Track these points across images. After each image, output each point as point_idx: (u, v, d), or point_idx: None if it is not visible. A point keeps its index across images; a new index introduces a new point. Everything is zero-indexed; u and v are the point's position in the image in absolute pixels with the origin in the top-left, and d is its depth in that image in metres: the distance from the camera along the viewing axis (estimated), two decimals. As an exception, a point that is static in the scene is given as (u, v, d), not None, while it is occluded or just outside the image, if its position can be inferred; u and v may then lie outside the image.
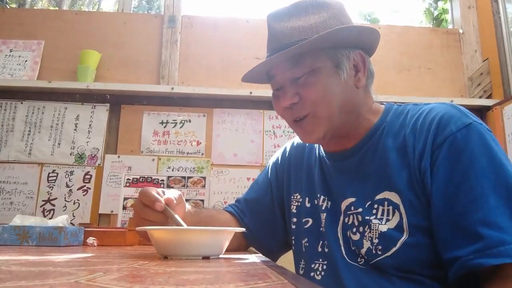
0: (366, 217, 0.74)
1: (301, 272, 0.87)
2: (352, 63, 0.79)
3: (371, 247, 0.72)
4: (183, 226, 0.69)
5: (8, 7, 3.38)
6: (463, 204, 0.64)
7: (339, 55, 0.78)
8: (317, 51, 0.76)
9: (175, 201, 0.74)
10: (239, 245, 0.95)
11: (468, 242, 0.62)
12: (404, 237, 0.69)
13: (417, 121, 0.74)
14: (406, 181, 0.71)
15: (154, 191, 0.73)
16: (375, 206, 0.74)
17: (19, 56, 2.36)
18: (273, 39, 0.79)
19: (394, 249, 0.70)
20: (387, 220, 0.72)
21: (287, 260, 0.97)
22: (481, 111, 2.38)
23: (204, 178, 2.22)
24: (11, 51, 2.38)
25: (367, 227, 0.74)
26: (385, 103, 0.85)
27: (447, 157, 0.68)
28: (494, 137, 0.70)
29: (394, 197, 0.72)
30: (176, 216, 0.70)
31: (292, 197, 0.93)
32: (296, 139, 1.01)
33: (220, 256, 0.64)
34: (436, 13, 3.18)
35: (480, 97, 2.41)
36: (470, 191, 0.64)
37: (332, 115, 0.77)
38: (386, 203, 0.73)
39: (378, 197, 0.74)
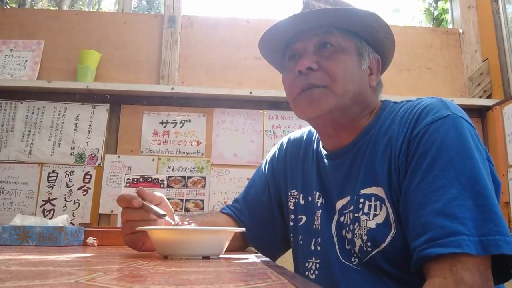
0: (356, 214, 0.74)
1: (299, 271, 0.87)
2: (369, 61, 0.82)
3: (362, 244, 0.72)
4: (161, 213, 0.69)
5: (8, 7, 3.38)
6: (425, 194, 0.64)
7: (363, 48, 0.81)
8: (347, 33, 0.79)
9: (147, 190, 0.73)
10: (239, 245, 0.95)
11: (423, 232, 0.61)
12: (392, 232, 0.69)
13: (404, 115, 0.74)
14: (388, 175, 0.71)
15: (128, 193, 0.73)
16: (361, 200, 0.74)
17: (19, 56, 2.36)
18: (307, 7, 0.80)
19: (383, 245, 0.70)
20: (375, 215, 0.72)
21: (287, 260, 0.97)
22: (481, 111, 2.38)
23: (204, 178, 2.22)
24: (11, 51, 2.38)
25: (356, 224, 0.74)
26: (382, 100, 0.86)
27: (419, 148, 0.67)
28: (475, 131, 0.69)
29: (380, 192, 0.72)
30: (153, 206, 0.70)
31: (289, 193, 0.93)
32: (293, 135, 1.01)
33: (220, 256, 0.64)
34: (436, 13, 3.18)
35: (480, 97, 2.41)
36: (434, 181, 0.63)
37: (344, 97, 0.76)
38: (373, 198, 0.73)
39: (364, 191, 0.74)
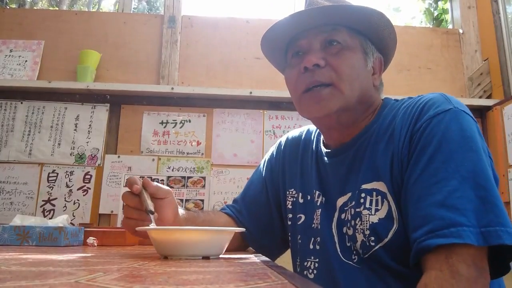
0: (357, 209, 0.74)
1: (298, 270, 0.87)
2: (373, 61, 0.82)
3: (364, 239, 0.72)
4: (149, 209, 0.71)
5: (8, 7, 3.38)
6: (425, 187, 0.64)
7: (368, 47, 0.81)
8: (353, 31, 0.79)
9: (154, 183, 0.76)
10: (238, 245, 0.95)
11: (423, 224, 0.61)
12: (395, 226, 0.69)
13: (406, 110, 0.74)
14: (390, 169, 0.71)
15: (139, 178, 0.77)
16: (362, 195, 0.74)
17: (19, 56, 2.36)
18: (312, 3, 0.79)
19: (386, 239, 0.69)
20: (377, 210, 0.71)
21: (286, 260, 0.97)
22: (481, 111, 2.38)
23: (204, 178, 2.22)
24: (11, 51, 2.38)
25: (358, 219, 0.73)
26: (383, 98, 0.86)
27: (420, 141, 0.67)
28: (476, 125, 0.69)
29: (382, 186, 0.72)
30: (149, 201, 0.72)
31: (288, 192, 0.93)
32: (291, 133, 1.00)
33: (220, 256, 0.64)
34: (436, 13, 3.18)
35: (480, 97, 2.41)
36: (435, 173, 0.63)
37: (351, 97, 0.76)
38: (375, 193, 0.72)
39: (365, 186, 0.74)
